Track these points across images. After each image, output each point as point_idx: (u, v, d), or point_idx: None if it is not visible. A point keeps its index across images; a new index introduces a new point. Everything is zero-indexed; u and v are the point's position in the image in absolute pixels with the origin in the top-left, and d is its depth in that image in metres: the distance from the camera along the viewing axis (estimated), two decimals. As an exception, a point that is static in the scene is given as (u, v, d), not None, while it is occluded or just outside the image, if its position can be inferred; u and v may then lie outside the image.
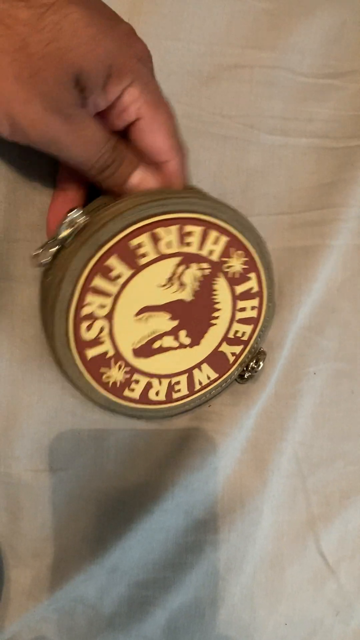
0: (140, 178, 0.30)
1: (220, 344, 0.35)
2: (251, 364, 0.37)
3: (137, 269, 0.30)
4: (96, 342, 0.31)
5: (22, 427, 0.36)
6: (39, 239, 0.34)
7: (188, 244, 0.31)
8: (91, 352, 0.31)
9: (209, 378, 0.36)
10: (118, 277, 0.30)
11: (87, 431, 0.37)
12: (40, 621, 0.37)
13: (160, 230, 0.30)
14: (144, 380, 0.33)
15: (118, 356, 0.32)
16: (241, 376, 0.37)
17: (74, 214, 0.29)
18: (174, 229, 0.30)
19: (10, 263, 0.34)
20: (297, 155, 0.38)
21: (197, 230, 0.31)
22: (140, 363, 0.33)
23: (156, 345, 0.33)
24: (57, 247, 0.29)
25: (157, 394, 0.34)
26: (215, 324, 0.34)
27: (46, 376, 0.36)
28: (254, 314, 0.35)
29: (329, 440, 0.40)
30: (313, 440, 0.40)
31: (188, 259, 0.32)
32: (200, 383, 0.35)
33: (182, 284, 0.32)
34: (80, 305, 0.29)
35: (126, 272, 0.30)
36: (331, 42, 0.37)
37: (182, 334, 0.33)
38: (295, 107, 0.38)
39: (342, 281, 0.39)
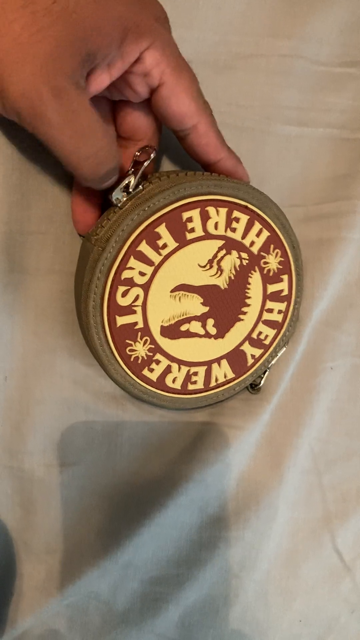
0: (111, 182, 0.28)
1: (242, 342, 0.35)
2: (263, 376, 0.37)
3: (183, 242, 0.30)
4: (129, 309, 0.31)
5: (35, 422, 0.36)
6: (53, 231, 0.34)
7: (233, 230, 0.32)
8: (121, 320, 0.31)
9: (225, 377, 0.35)
10: (164, 247, 0.30)
11: (101, 426, 0.37)
12: (53, 616, 0.37)
13: (211, 209, 0.30)
14: (164, 363, 0.33)
15: (146, 330, 0.32)
16: (252, 385, 0.37)
17: (130, 178, 0.29)
18: (223, 211, 0.31)
19: (25, 255, 0.34)
20: (313, 146, 0.38)
21: (244, 217, 0.32)
22: (165, 343, 0.33)
23: (184, 328, 0.33)
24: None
25: (173, 380, 0.34)
26: (243, 320, 0.34)
27: (59, 371, 0.36)
28: (279, 318, 0.35)
29: (345, 436, 0.40)
30: (329, 436, 0.40)
31: (230, 245, 0.32)
32: (216, 380, 0.35)
33: (220, 269, 0.32)
34: (122, 267, 0.29)
35: (172, 244, 0.30)
36: (349, 31, 0.37)
37: (210, 322, 0.33)
38: (312, 97, 0.37)
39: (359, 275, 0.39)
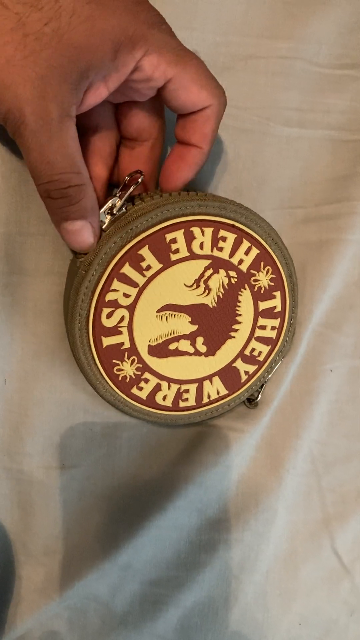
0: (76, 229, 0.28)
1: (235, 359, 0.35)
2: (260, 390, 0.37)
3: (167, 264, 0.30)
4: (114, 330, 0.31)
5: (34, 424, 0.36)
6: (52, 232, 0.34)
7: (220, 249, 0.31)
8: (107, 341, 0.31)
9: (218, 393, 0.35)
10: (147, 268, 0.30)
11: (100, 428, 0.37)
12: (52, 619, 0.37)
13: (196, 229, 0.30)
14: (153, 381, 0.33)
15: (133, 350, 0.32)
16: (249, 400, 0.37)
17: (115, 200, 0.29)
18: (209, 230, 0.31)
19: (24, 257, 0.34)
20: (313, 148, 0.38)
21: (231, 236, 0.31)
22: (153, 362, 0.33)
23: (172, 346, 0.33)
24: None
25: (164, 398, 0.34)
26: (234, 337, 0.34)
27: (58, 372, 0.36)
28: (273, 334, 0.35)
29: (344, 438, 0.40)
30: (329, 439, 0.40)
31: (218, 264, 0.32)
32: (208, 397, 0.35)
33: (207, 288, 0.32)
34: (106, 289, 0.30)
35: (156, 265, 0.30)
36: (349, 32, 0.36)
37: (200, 340, 0.33)
38: (312, 98, 0.37)
39: (359, 276, 0.39)
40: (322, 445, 0.40)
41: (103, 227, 0.29)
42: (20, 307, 0.34)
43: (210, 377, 0.34)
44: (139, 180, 0.30)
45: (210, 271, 0.32)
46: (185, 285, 0.31)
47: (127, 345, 0.31)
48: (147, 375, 0.33)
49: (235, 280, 0.32)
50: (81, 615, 0.37)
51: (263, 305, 0.34)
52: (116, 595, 0.37)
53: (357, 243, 0.38)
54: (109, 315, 0.30)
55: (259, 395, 0.37)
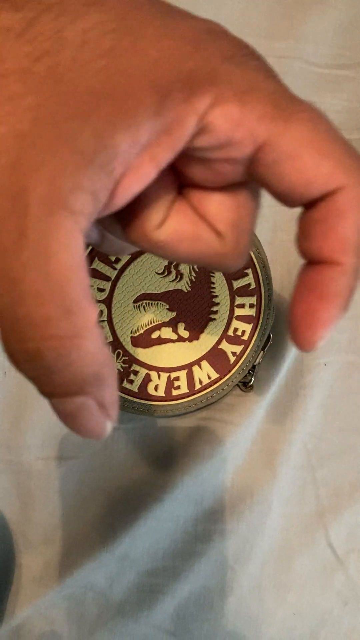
0: (70, 410, 0.17)
1: (220, 341, 0.35)
2: (252, 372, 0.37)
3: (135, 254, 0.31)
4: None
5: (32, 416, 0.36)
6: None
7: None
8: None
9: (209, 377, 0.36)
10: (117, 261, 0.31)
11: (98, 420, 0.37)
12: (51, 607, 0.38)
13: None
14: (142, 372, 0.34)
15: (116, 343, 0.32)
16: (244, 383, 0.37)
17: None
18: None
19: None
20: None
21: None
22: (139, 353, 0.33)
23: (155, 335, 0.33)
24: None
25: (156, 388, 0.34)
26: (215, 319, 0.34)
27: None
28: (252, 312, 0.35)
29: (339, 432, 0.40)
30: (323, 432, 0.40)
31: None
32: (200, 382, 0.35)
33: (179, 273, 0.33)
34: None
35: (124, 257, 0.31)
36: (345, 32, 0.37)
37: (181, 326, 0.34)
38: (308, 97, 0.36)
39: (354, 273, 0.39)
40: (317, 439, 0.40)
41: None
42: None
43: (198, 362, 0.35)
44: None
45: None
46: (156, 273, 0.32)
47: (109, 339, 0.32)
48: (135, 367, 0.33)
49: None
50: (79, 604, 0.38)
51: (237, 283, 0.35)
52: (113, 584, 0.38)
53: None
54: None
55: (252, 379, 0.37)
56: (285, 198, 0.16)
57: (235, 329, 0.35)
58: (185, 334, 0.34)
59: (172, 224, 0.17)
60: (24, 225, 0.14)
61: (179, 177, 0.17)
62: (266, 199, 0.38)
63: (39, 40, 0.14)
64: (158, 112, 0.14)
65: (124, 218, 0.17)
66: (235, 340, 0.35)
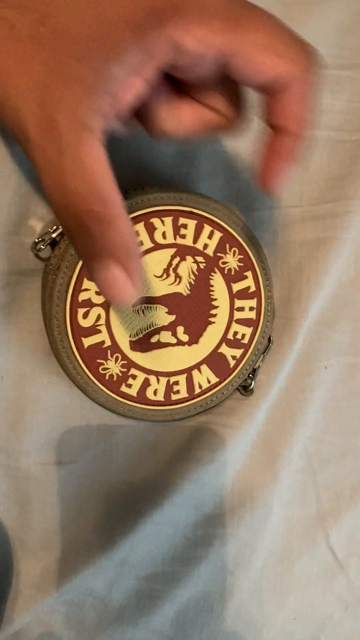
0: (106, 275, 0.22)
1: (219, 345, 0.35)
2: (252, 376, 0.37)
3: None
4: (93, 330, 0.31)
5: (30, 421, 0.36)
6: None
7: (183, 236, 0.32)
8: (88, 341, 0.31)
9: (209, 382, 0.35)
10: None
11: (96, 424, 0.37)
12: (49, 613, 0.38)
13: (155, 220, 0.31)
14: (141, 376, 0.33)
15: (115, 347, 0.32)
16: (244, 387, 0.37)
17: None
18: (168, 220, 0.31)
19: (22, 257, 0.34)
20: (310, 148, 0.38)
21: (191, 223, 0.32)
22: (138, 357, 0.33)
23: (154, 339, 0.33)
24: (56, 234, 0.31)
25: (155, 393, 0.34)
26: (214, 322, 0.34)
27: (54, 369, 0.36)
28: (252, 315, 0.35)
29: (339, 435, 0.40)
30: (323, 435, 0.40)
31: (183, 251, 0.32)
32: (200, 386, 0.35)
33: (178, 277, 0.32)
34: (77, 290, 0.30)
35: None
36: (345, 33, 0.37)
37: (180, 330, 0.33)
38: (308, 98, 0.37)
39: (355, 275, 0.39)
40: (317, 442, 0.40)
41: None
42: (17, 305, 0.35)
43: (197, 366, 0.35)
44: None
45: (177, 259, 0.32)
46: (155, 276, 0.32)
47: (108, 343, 0.32)
48: (133, 371, 0.33)
49: (204, 265, 0.33)
50: (78, 610, 0.38)
51: (236, 286, 0.34)
52: (113, 590, 0.38)
53: (353, 241, 0.38)
54: (85, 315, 0.31)
55: (252, 382, 0.37)
56: (256, 90, 0.23)
57: (235, 333, 0.35)
58: (185, 337, 0.34)
59: (182, 113, 0.25)
60: (61, 146, 0.20)
61: (180, 85, 0.24)
62: (265, 203, 0.38)
63: (40, 7, 0.20)
64: (136, 44, 0.20)
65: (144, 122, 0.25)
66: (235, 343, 0.35)
